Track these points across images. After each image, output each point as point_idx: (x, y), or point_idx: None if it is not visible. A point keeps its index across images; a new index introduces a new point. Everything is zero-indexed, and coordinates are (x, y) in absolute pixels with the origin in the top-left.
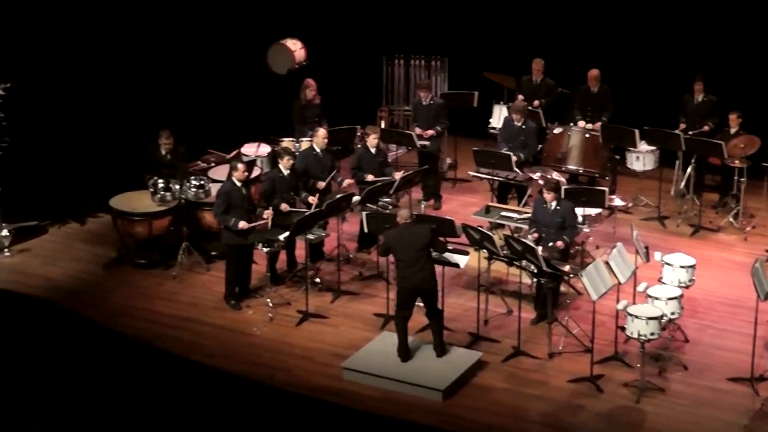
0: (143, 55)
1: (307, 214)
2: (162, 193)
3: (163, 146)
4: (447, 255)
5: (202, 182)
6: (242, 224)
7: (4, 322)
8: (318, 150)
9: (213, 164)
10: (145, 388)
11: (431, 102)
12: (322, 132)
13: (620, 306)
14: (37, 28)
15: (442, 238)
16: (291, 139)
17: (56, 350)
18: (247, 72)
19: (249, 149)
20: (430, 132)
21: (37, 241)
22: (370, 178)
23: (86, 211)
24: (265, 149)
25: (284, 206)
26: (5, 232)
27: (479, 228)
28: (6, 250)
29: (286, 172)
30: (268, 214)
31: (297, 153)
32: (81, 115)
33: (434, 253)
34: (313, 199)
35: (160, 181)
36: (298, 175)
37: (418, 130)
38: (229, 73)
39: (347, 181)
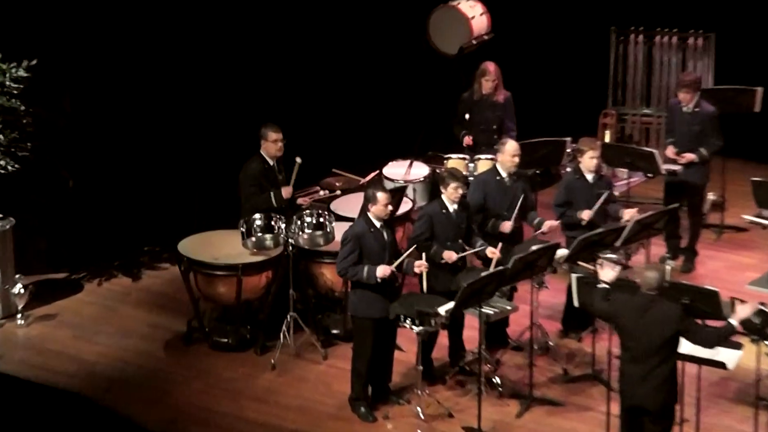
0: (234, 28)
1: (483, 273)
2: (259, 234)
3: (270, 151)
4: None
5: (322, 219)
6: (382, 270)
7: (12, 426)
8: (504, 174)
9: (338, 192)
10: None
11: (696, 109)
12: (511, 146)
13: None
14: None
15: (698, 320)
16: (461, 156)
17: None
18: (395, 51)
19: (395, 170)
20: (690, 156)
21: (67, 303)
22: (585, 216)
23: (142, 260)
24: (420, 171)
25: (448, 254)
26: (19, 288)
27: (761, 306)
28: (20, 315)
29: (452, 208)
30: (421, 267)
31: (471, 178)
32: (140, 116)
33: (685, 347)
34: (493, 252)
35: (257, 216)
36: (472, 213)
37: (670, 151)
38: (366, 52)
39: (549, 224)
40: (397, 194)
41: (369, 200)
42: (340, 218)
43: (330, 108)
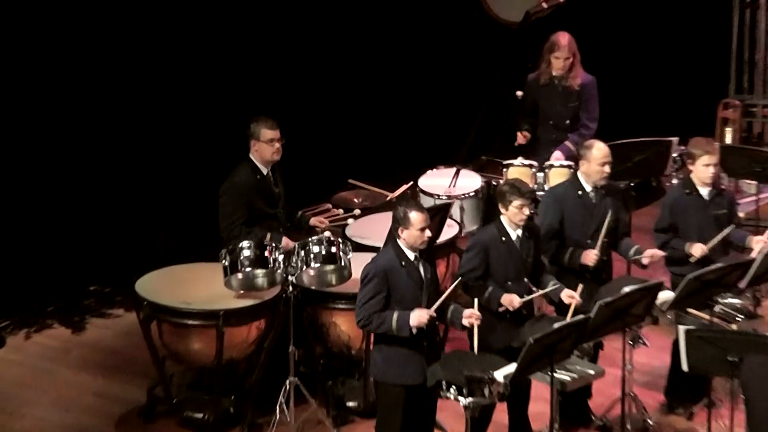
0: None
1: (557, 324)
2: (247, 269)
3: (264, 155)
4: None
5: (334, 249)
6: (418, 317)
7: None
8: (588, 188)
9: (357, 211)
10: None
11: None
12: (599, 150)
13: None
14: None
15: None
16: (527, 162)
17: None
18: (436, 19)
19: (435, 181)
20: None
21: None
22: (696, 252)
23: (86, 304)
24: (470, 182)
25: (509, 299)
26: None
27: None
28: None
29: (514, 234)
30: (472, 318)
31: (541, 193)
32: (84, 109)
33: None
34: (571, 295)
35: (245, 244)
36: (542, 241)
37: None
38: (394, 19)
39: (651, 253)
40: (438, 214)
41: (399, 223)
42: (360, 247)
43: (344, 96)
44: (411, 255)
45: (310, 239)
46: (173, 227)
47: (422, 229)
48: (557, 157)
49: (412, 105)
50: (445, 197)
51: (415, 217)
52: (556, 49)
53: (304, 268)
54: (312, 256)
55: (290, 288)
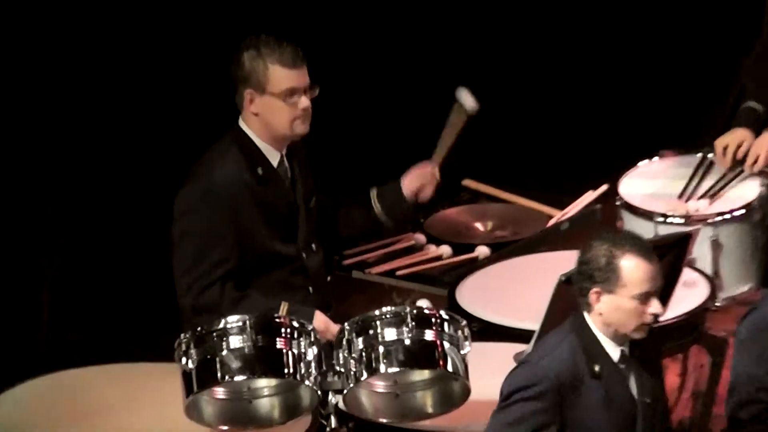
0: None
1: None
2: (237, 378)
3: (278, 122)
4: None
5: (431, 335)
6: None
7: None
8: None
9: (483, 249)
10: None
11: None
12: None
13: None
14: None
15: None
16: None
17: None
18: None
19: (654, 184)
20: None
21: None
22: None
23: None
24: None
25: None
26: None
27: None
28: None
29: None
30: None
31: None
32: None
33: None
34: None
35: (233, 322)
36: None
37: None
38: None
39: None
40: (668, 254)
41: (593, 278)
42: (489, 330)
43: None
44: (614, 352)
45: (376, 313)
46: (69, 290)
47: (645, 297)
48: None
49: (595, 36)
50: (679, 220)
51: (633, 266)
52: None
53: (364, 376)
54: (381, 350)
55: (332, 421)
